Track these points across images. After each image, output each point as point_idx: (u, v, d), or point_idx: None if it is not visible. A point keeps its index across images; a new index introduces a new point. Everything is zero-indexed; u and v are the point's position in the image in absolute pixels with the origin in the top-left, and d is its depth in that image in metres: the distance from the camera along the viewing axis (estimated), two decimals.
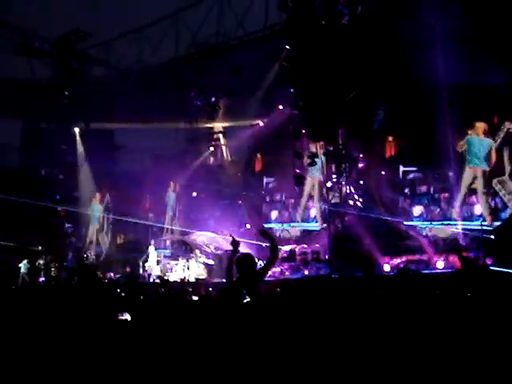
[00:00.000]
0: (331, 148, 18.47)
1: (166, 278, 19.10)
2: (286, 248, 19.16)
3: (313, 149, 19.38)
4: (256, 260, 6.57)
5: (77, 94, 23.30)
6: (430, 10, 17.96)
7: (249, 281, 5.97)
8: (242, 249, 19.15)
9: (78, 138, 25.33)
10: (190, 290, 14.50)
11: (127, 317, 9.68)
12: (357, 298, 11.64)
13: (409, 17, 18.27)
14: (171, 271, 20.15)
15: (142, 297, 11.66)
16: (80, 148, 25.28)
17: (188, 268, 19.95)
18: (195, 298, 12.49)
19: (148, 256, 20.98)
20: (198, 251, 20.44)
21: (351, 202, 18.90)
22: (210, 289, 14.95)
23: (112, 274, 20.92)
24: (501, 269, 13.08)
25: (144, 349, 7.09)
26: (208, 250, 20.66)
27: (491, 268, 13.46)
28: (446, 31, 16.78)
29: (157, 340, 7.19)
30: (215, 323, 5.96)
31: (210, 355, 5.61)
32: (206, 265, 19.78)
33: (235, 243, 6.89)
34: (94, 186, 25.72)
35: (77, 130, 25.31)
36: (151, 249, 21.24)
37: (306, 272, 17.35)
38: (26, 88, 25.08)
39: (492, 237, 15.64)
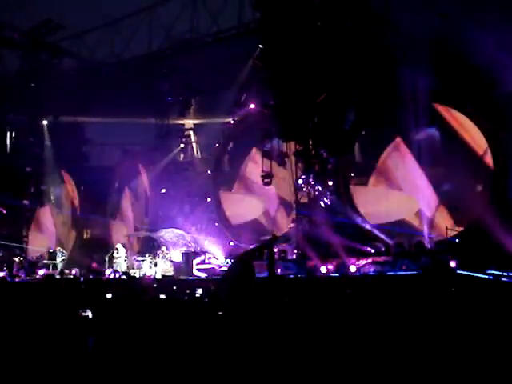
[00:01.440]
0: (301, 148, 18.47)
1: (132, 274, 18.92)
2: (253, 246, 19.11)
3: (283, 148, 19.39)
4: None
5: (46, 86, 22.98)
6: (405, 13, 18.12)
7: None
8: (210, 246, 18.88)
9: (45, 131, 24.93)
10: (155, 286, 14.40)
11: (89, 314, 9.56)
12: (323, 297, 11.68)
13: (383, 20, 18.39)
14: (138, 268, 19.98)
15: (109, 295, 11.52)
16: (47, 141, 24.89)
17: (155, 265, 19.80)
18: (162, 296, 12.40)
19: (114, 252, 20.77)
20: (164, 248, 20.29)
21: (320, 203, 18.96)
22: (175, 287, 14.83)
23: (77, 270, 20.65)
24: (464, 272, 13.26)
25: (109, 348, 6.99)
26: (175, 246, 20.53)
27: (456, 271, 13.63)
28: (419, 36, 16.98)
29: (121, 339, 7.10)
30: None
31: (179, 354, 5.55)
32: (173, 262, 19.64)
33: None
34: (60, 179, 25.42)
35: (45, 122, 24.91)
36: (119, 245, 21.01)
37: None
38: None
39: (457, 240, 15.86)
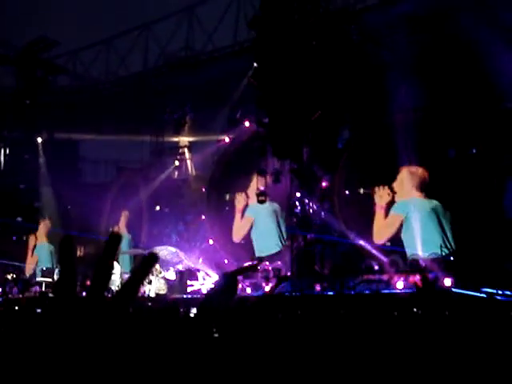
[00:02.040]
0: (295, 166, 18.50)
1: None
2: (248, 264, 19.08)
3: (277, 166, 19.41)
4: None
5: (40, 103, 23.03)
6: (400, 33, 18.34)
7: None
8: (205, 265, 18.92)
9: (40, 147, 24.90)
10: (149, 304, 14.31)
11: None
12: (318, 316, 11.64)
13: (378, 40, 18.59)
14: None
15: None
16: (42, 158, 24.85)
17: (149, 283, 19.67)
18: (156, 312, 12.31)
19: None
20: (158, 266, 20.18)
21: (314, 221, 18.96)
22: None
23: None
24: (460, 290, 13.23)
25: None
26: (169, 265, 20.43)
27: (451, 289, 13.60)
28: (410, 56, 17.19)
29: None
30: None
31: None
32: (167, 280, 19.53)
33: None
34: (53, 196, 25.34)
35: (39, 139, 24.89)
36: (114, 263, 20.91)
37: (267, 289, 17.25)
38: None
39: (451, 258, 15.85)
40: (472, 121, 16.81)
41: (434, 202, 17.43)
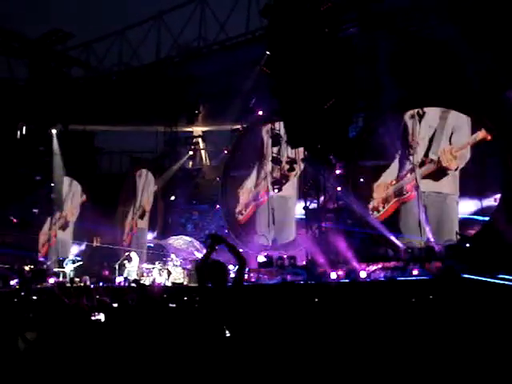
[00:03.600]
0: (309, 154, 18.50)
1: (142, 282, 18.91)
2: (264, 254, 19.16)
3: (291, 155, 19.44)
4: (228, 267, 6.11)
5: (55, 95, 23.12)
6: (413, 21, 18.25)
7: (222, 289, 5.68)
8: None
9: (54, 139, 25.03)
10: (165, 296, 14.41)
11: (101, 317, 9.61)
12: (333, 303, 11.67)
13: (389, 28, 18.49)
14: (147, 275, 19.99)
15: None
16: (56, 150, 24.98)
17: (167, 272, 19.77)
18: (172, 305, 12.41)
19: (126, 259, 20.75)
20: (174, 255, 20.30)
21: (329, 209, 18.99)
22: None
23: (87, 278, 20.69)
24: (475, 276, 13.20)
25: (116, 351, 7.01)
26: (185, 254, 20.54)
27: (465, 276, 13.57)
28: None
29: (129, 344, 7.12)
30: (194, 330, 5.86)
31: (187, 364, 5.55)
32: (183, 269, 19.64)
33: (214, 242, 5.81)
34: (68, 188, 25.54)
35: (54, 131, 25.02)
36: (133, 253, 20.98)
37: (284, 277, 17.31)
38: (4, 88, 24.83)
39: (467, 245, 15.79)
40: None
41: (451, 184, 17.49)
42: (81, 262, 22.37)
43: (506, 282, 12.58)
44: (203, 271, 5.65)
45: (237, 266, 5.85)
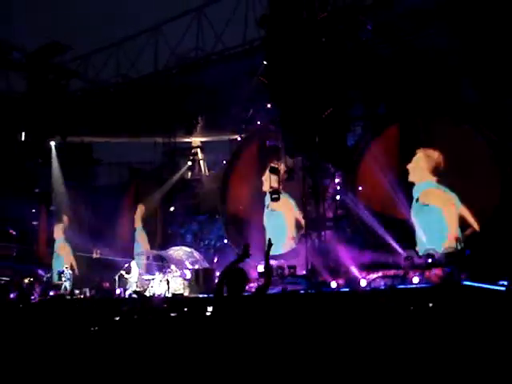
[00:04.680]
0: (308, 163, 18.50)
1: (142, 292, 18.89)
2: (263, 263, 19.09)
3: (290, 164, 19.42)
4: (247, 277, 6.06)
5: (53, 107, 23.15)
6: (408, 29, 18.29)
7: (238, 298, 5.64)
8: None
9: (53, 151, 25.04)
10: (165, 306, 14.39)
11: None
12: (334, 312, 11.63)
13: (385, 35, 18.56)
14: (148, 286, 19.95)
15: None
16: (55, 162, 24.97)
17: (167, 283, 19.73)
18: (173, 314, 12.38)
19: (125, 271, 20.72)
20: (174, 266, 20.27)
21: (328, 217, 18.96)
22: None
23: (87, 290, 20.66)
24: (475, 284, 13.17)
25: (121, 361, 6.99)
26: (185, 264, 20.51)
27: (466, 283, 13.54)
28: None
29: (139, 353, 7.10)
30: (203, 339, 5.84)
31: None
32: (183, 280, 19.61)
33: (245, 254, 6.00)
34: (67, 200, 25.48)
35: (52, 143, 25.03)
36: (133, 264, 20.97)
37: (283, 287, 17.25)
38: (3, 100, 24.86)
39: (467, 252, 15.77)
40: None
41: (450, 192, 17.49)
42: (69, 271, 22.35)
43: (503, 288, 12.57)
44: (225, 277, 5.65)
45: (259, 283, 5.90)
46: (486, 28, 15.98)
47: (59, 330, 8.64)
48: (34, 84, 23.85)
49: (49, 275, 24.31)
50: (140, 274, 20.84)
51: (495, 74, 15.88)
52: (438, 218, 17.46)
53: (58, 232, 26.02)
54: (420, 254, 16.79)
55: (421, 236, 17.39)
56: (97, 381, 6.46)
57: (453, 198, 17.24)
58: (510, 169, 16.20)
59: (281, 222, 21.12)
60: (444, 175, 17.50)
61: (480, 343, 5.95)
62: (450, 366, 5.44)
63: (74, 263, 24.75)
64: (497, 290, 12.55)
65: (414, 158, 18.07)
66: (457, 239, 16.61)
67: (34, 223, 25.12)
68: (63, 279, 22.00)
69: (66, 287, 21.37)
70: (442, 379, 5.29)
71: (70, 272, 22.63)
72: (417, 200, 17.86)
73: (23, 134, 24.54)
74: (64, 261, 25.00)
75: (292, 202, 20.75)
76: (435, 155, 17.67)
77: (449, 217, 17.29)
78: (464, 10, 16.54)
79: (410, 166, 18.08)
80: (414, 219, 17.64)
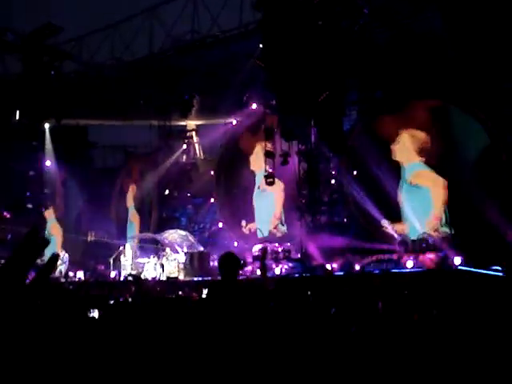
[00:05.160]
0: (303, 147, 18.50)
1: (138, 275, 18.93)
2: (258, 247, 19.17)
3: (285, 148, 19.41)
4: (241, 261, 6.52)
5: (48, 89, 22.99)
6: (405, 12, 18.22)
7: (232, 281, 5.73)
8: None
9: (47, 134, 24.91)
10: (158, 289, 14.43)
11: (95, 314, 9.59)
12: (328, 295, 11.67)
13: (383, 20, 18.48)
14: (142, 269, 20.00)
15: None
16: (49, 145, 24.85)
17: (161, 266, 19.79)
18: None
19: (120, 254, 20.75)
20: (168, 249, 20.30)
21: (323, 201, 19.01)
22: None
23: (82, 273, 20.68)
24: (470, 268, 13.26)
25: (115, 349, 7.00)
26: (179, 248, 20.54)
27: (461, 268, 13.62)
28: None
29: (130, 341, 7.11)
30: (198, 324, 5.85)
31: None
32: (178, 263, 19.65)
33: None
34: (60, 184, 25.36)
35: (47, 126, 24.90)
36: (127, 246, 20.98)
37: (278, 271, 17.33)
38: None
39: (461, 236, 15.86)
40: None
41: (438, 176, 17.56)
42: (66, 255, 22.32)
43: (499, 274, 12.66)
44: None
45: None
46: (480, 13, 15.94)
47: (53, 314, 8.63)
48: (28, 66, 23.65)
49: (44, 258, 24.25)
50: (134, 258, 20.89)
51: (492, 59, 15.86)
52: (424, 197, 17.57)
53: (50, 214, 25.90)
54: (408, 234, 16.93)
55: (407, 213, 17.52)
56: (94, 366, 6.45)
57: (441, 179, 17.33)
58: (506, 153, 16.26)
59: (270, 203, 21.23)
60: (431, 155, 17.57)
61: (475, 328, 5.98)
62: (444, 353, 5.47)
63: (70, 246, 24.69)
64: (491, 274, 12.64)
65: (398, 139, 18.13)
66: (440, 219, 16.74)
67: (29, 206, 25.03)
68: (59, 262, 21.96)
69: (61, 270, 21.37)
70: (436, 365, 5.32)
71: (67, 255, 22.61)
72: (406, 181, 17.94)
73: (17, 115, 24.34)
74: (56, 241, 24.96)
75: (281, 185, 20.83)
76: (421, 135, 17.72)
77: (435, 197, 17.39)
78: None
79: (395, 147, 18.17)
80: (403, 199, 17.76)
